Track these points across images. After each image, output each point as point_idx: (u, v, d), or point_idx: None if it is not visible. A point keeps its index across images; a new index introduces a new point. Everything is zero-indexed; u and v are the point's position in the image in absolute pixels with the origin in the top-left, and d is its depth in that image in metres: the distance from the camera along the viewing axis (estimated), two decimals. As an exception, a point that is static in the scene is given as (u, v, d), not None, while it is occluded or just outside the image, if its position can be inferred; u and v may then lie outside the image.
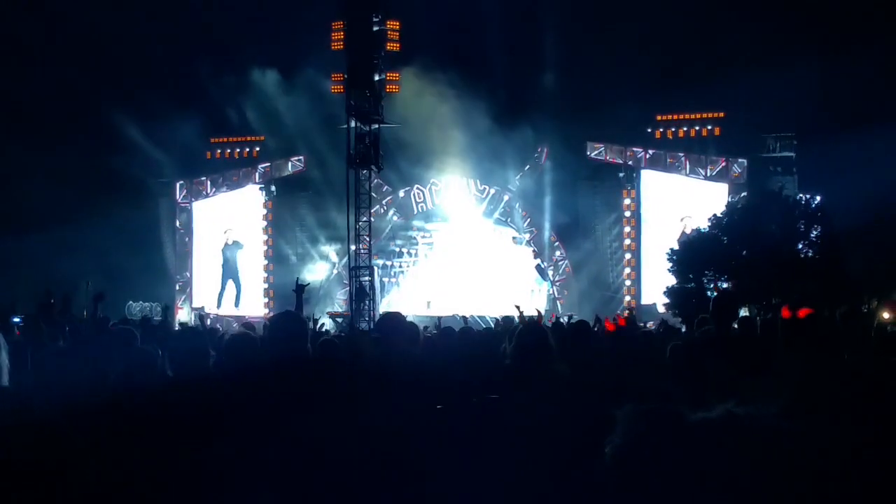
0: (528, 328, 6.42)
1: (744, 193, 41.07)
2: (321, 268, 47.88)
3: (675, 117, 43.89)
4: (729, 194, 41.99)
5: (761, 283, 30.85)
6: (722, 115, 42.83)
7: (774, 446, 1.83)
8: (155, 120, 41.47)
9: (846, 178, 33.42)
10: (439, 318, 20.99)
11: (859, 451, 2.45)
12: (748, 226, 33.21)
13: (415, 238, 47.81)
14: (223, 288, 49.95)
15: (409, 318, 7.71)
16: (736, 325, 8.17)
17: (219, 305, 49.35)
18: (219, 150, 49.22)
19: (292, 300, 9.64)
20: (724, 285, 32.22)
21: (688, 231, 40.47)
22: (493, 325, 23.70)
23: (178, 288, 50.12)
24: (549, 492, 4.16)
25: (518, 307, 12.42)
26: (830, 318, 9.01)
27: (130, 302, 41.41)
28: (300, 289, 8.46)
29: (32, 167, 37.70)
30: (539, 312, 15.34)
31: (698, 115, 43.46)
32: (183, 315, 47.58)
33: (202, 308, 45.34)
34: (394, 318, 6.65)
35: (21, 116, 38.82)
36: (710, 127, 43.32)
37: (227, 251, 50.24)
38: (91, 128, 41.67)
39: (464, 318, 17.20)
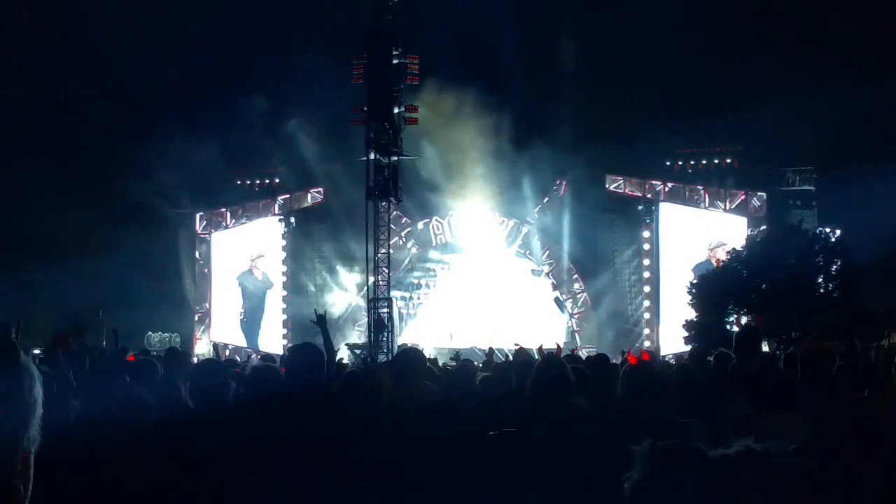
0: (547, 361, 6.43)
1: (763, 227, 40.95)
2: (340, 299, 47.88)
3: (695, 150, 43.82)
4: (748, 227, 41.85)
5: (781, 317, 30.71)
6: (741, 148, 42.74)
7: (792, 483, 1.83)
8: (175, 151, 41.63)
9: (866, 212, 33.38)
10: (458, 352, 20.94)
11: (877, 487, 2.45)
12: (768, 259, 33.05)
13: (433, 270, 47.80)
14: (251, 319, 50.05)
15: (428, 350, 7.75)
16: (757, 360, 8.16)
17: (253, 339, 49.46)
18: (238, 182, 49.40)
19: (310, 331, 9.63)
20: (745, 319, 32.08)
21: (719, 258, 40.31)
22: (510, 358, 23.64)
23: (196, 319, 50.18)
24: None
25: (517, 344, 12.39)
26: (851, 353, 8.99)
27: (150, 333, 41.50)
28: (322, 319, 8.45)
29: (52, 198, 37.91)
30: (558, 346, 15.31)
31: (718, 149, 43.37)
32: (201, 346, 47.60)
33: (220, 344, 45.42)
34: (412, 353, 6.67)
35: (43, 147, 39.11)
36: (729, 160, 43.25)
37: (253, 284, 50.34)
38: (111, 159, 41.93)
39: (490, 350, 17.10)
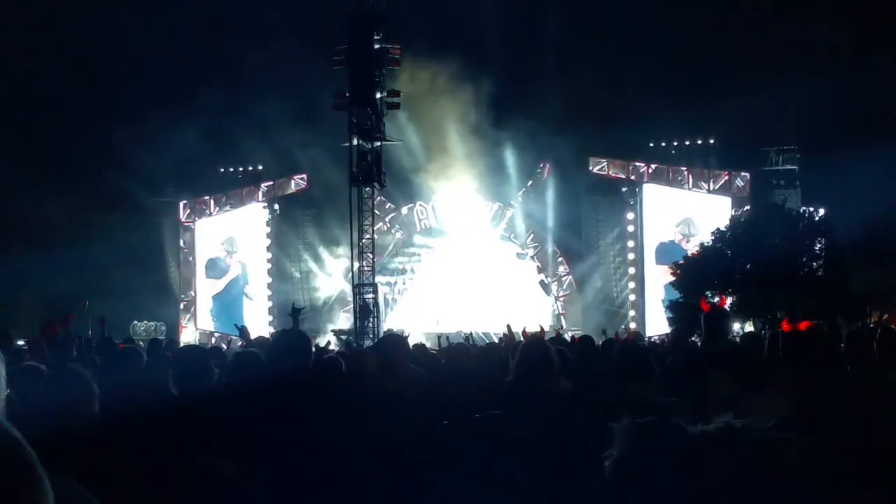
0: (530, 344, 6.43)
1: (747, 207, 41.03)
2: (325, 285, 47.89)
3: (677, 131, 43.86)
4: (732, 207, 41.94)
5: (765, 297, 30.82)
6: (723, 129, 42.81)
7: (770, 457, 1.84)
8: (158, 140, 41.56)
9: (849, 191, 33.44)
10: (439, 336, 20.97)
11: (856, 461, 2.47)
12: (751, 240, 33.12)
13: (418, 254, 47.85)
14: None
15: (417, 336, 7.79)
16: (740, 340, 8.20)
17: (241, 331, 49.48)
18: (221, 169, 49.32)
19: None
20: (715, 300, 32.14)
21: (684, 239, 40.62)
22: (497, 341, 23.68)
23: (182, 307, 50.14)
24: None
25: (508, 326, 12.37)
26: (834, 332, 9.03)
27: (135, 322, 41.44)
28: (296, 312, 8.52)
29: (35, 187, 37.79)
30: (542, 328, 15.33)
31: (700, 130, 43.44)
32: (187, 334, 47.58)
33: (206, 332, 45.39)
34: (394, 338, 6.68)
35: (25, 137, 38.96)
36: (712, 141, 43.28)
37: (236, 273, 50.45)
38: (94, 147, 41.79)
39: (469, 335, 17.15)
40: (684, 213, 44.05)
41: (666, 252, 43.24)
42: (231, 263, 50.72)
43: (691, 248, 39.36)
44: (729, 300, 32.27)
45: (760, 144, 42.36)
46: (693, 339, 15.46)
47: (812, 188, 40.07)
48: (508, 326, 12.22)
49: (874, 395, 3.06)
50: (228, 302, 50.18)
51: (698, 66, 38.81)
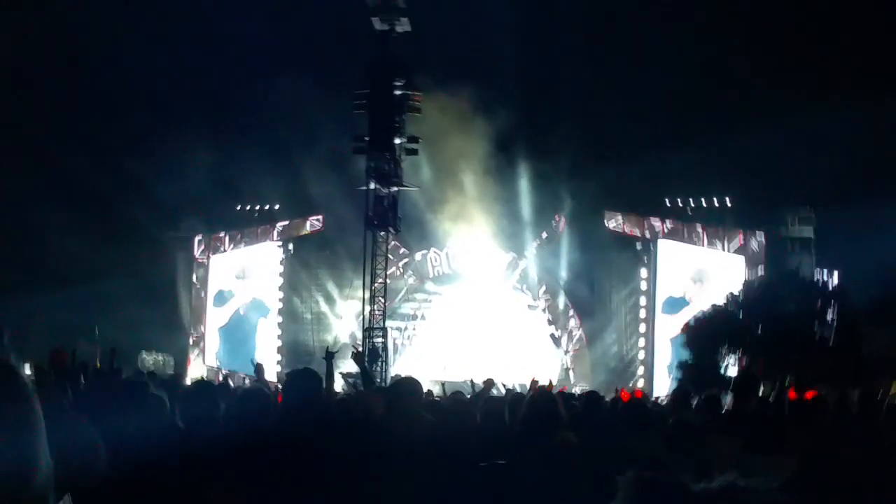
0: (539, 396, 6.45)
1: (761, 269, 40.91)
2: (335, 327, 47.84)
3: (693, 188, 43.85)
4: (746, 266, 41.84)
5: (775, 361, 30.69)
6: (740, 188, 42.75)
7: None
8: (175, 175, 41.70)
9: (865, 254, 33.33)
10: (443, 383, 20.90)
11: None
12: (764, 303, 33.06)
13: (429, 300, 47.79)
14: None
15: (424, 383, 7.75)
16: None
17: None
18: (238, 207, 49.39)
19: (304, 360, 9.65)
20: (745, 362, 31.98)
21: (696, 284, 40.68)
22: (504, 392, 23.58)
23: (191, 342, 50.13)
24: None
25: (498, 381, 12.36)
26: (843, 402, 9.01)
27: (143, 353, 41.40)
28: (330, 356, 8.54)
29: (49, 217, 37.91)
30: (550, 381, 15.35)
31: (717, 188, 43.42)
32: (195, 369, 47.54)
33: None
34: (408, 382, 6.67)
35: (41, 167, 39.16)
36: (728, 199, 43.22)
37: (246, 309, 50.48)
38: (111, 179, 41.92)
39: (473, 383, 17.13)
40: (697, 267, 44.05)
41: (674, 304, 43.39)
42: (237, 292, 50.75)
43: (700, 298, 39.62)
44: (744, 362, 32.14)
45: (777, 204, 42.24)
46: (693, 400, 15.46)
47: (828, 249, 39.86)
48: (489, 380, 12.16)
49: (878, 467, 3.06)
50: (238, 337, 50.12)
51: (717, 122, 38.85)
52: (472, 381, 18.00)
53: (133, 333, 38.26)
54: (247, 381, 33.96)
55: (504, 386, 27.06)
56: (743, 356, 32.49)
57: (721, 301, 35.75)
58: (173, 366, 41.55)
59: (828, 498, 2.65)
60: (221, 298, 50.96)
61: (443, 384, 20.53)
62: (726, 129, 38.36)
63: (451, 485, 5.17)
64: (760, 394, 25.96)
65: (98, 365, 18.32)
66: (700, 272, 43.96)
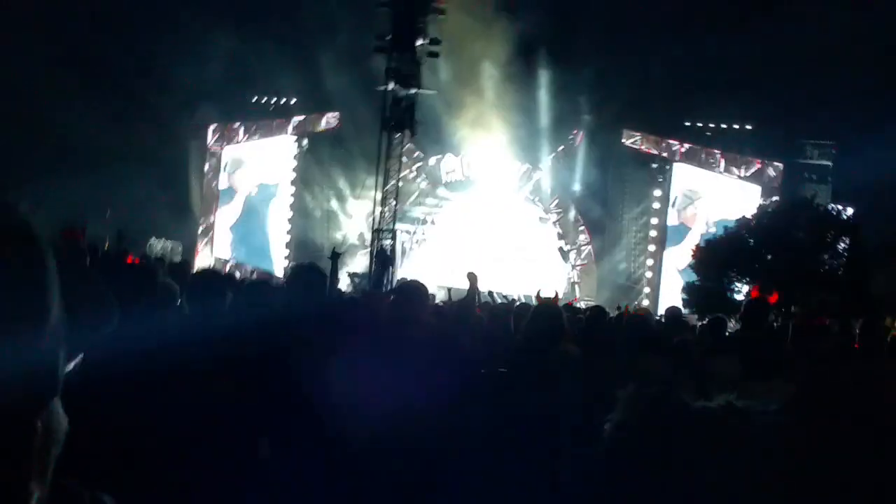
0: (543, 308, 6.46)
1: (776, 198, 40.74)
2: (345, 226, 47.93)
3: (714, 113, 43.48)
4: (761, 196, 41.69)
5: (782, 289, 30.71)
6: (761, 115, 42.39)
7: (768, 439, 1.86)
8: (194, 62, 41.40)
9: (881, 194, 33.14)
10: (449, 289, 20.95)
11: (857, 452, 2.48)
12: (776, 231, 32.99)
13: (440, 206, 47.80)
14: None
15: (430, 287, 7.74)
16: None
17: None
18: (255, 98, 49.16)
19: (312, 255, 9.66)
20: (746, 289, 32.02)
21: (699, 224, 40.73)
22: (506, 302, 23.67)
23: (200, 231, 50.29)
24: (548, 465, 4.22)
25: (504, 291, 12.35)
26: (846, 329, 9.01)
27: (153, 239, 41.49)
28: (336, 256, 8.56)
29: (65, 100, 37.71)
30: (556, 294, 15.34)
31: (738, 114, 43.05)
32: (203, 258, 47.77)
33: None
34: (414, 285, 6.66)
35: (57, 51, 38.84)
36: (749, 126, 42.93)
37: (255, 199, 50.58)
38: (129, 60, 41.64)
39: (490, 293, 17.17)
40: (707, 194, 44.02)
41: (675, 232, 43.60)
42: (247, 183, 50.83)
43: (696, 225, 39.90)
44: (746, 289, 32.19)
45: (797, 136, 41.98)
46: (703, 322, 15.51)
47: (844, 186, 39.68)
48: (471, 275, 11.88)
49: (880, 390, 3.06)
50: (248, 228, 50.35)
51: (743, 48, 38.31)
52: (489, 293, 18.06)
53: (143, 219, 38.34)
54: (254, 275, 34.10)
55: (508, 297, 27.18)
56: (752, 283, 32.49)
57: (732, 225, 35.72)
58: (181, 253, 41.69)
59: (826, 422, 2.66)
60: (230, 193, 50.99)
61: (449, 290, 20.60)
62: (752, 54, 37.81)
63: (451, 390, 5.20)
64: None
65: (106, 247, 18.39)
66: (708, 196, 43.93)
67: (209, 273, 6.05)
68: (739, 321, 7.21)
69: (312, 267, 5.88)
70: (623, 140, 45.26)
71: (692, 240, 40.46)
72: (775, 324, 21.51)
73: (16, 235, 0.73)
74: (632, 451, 1.91)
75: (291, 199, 49.37)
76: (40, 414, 0.74)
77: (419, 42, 33.86)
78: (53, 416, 0.76)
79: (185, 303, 5.12)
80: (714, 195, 43.71)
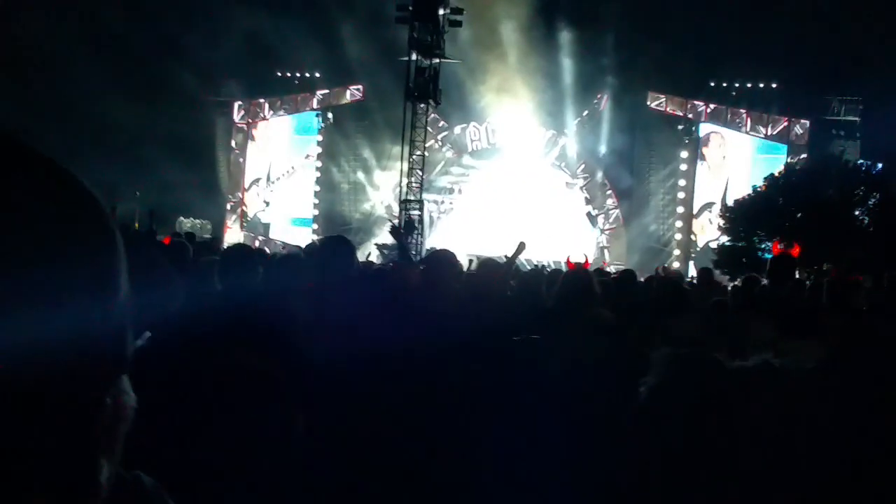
0: (574, 272, 6.44)
1: (803, 155, 40.43)
2: (372, 198, 47.98)
3: (739, 72, 43.17)
4: (788, 155, 41.37)
5: (813, 247, 30.51)
6: (786, 73, 42.04)
7: (806, 398, 1.85)
8: (219, 39, 41.40)
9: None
10: (478, 258, 20.94)
11: (890, 410, 2.47)
12: (805, 188, 32.74)
13: (467, 175, 47.71)
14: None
15: (459, 257, 7.71)
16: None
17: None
18: (279, 73, 49.15)
19: (340, 229, 9.66)
20: (782, 246, 31.85)
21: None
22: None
23: (229, 207, 50.43)
24: (585, 431, 4.21)
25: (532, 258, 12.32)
26: (879, 285, 8.95)
27: (181, 217, 41.63)
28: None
29: (92, 80, 37.78)
30: (586, 258, 15.32)
31: (763, 72, 42.70)
32: (232, 234, 47.93)
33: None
34: (444, 254, 6.64)
35: (84, 29, 38.89)
36: (774, 84, 42.59)
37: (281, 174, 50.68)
38: (155, 39, 41.68)
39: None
40: (742, 155, 43.76)
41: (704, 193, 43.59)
42: (278, 161, 50.99)
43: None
44: (781, 245, 32.01)
45: (824, 92, 41.61)
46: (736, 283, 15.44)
47: (872, 141, 39.28)
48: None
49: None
50: (275, 205, 50.57)
51: (766, 5, 37.91)
52: (506, 257, 18.04)
53: (172, 198, 38.42)
54: (284, 249, 34.18)
55: (539, 264, 27.14)
56: (775, 240, 32.31)
57: (761, 184, 35.50)
58: (210, 230, 41.82)
59: (861, 379, 2.64)
60: (257, 169, 51.12)
61: (477, 259, 20.59)
62: (775, 11, 37.46)
63: (484, 358, 5.20)
64: (797, 278, 25.93)
65: (136, 226, 18.49)
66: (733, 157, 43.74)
67: (241, 249, 6.06)
68: (766, 278, 7.17)
69: (341, 239, 5.88)
70: (648, 102, 44.98)
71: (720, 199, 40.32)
72: (808, 282, 21.44)
73: (88, 207, 0.74)
74: (668, 412, 1.91)
75: (317, 174, 49.40)
76: (109, 389, 0.75)
77: (441, 11, 33.72)
78: (123, 394, 0.77)
79: (218, 279, 5.14)
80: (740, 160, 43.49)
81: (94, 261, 0.73)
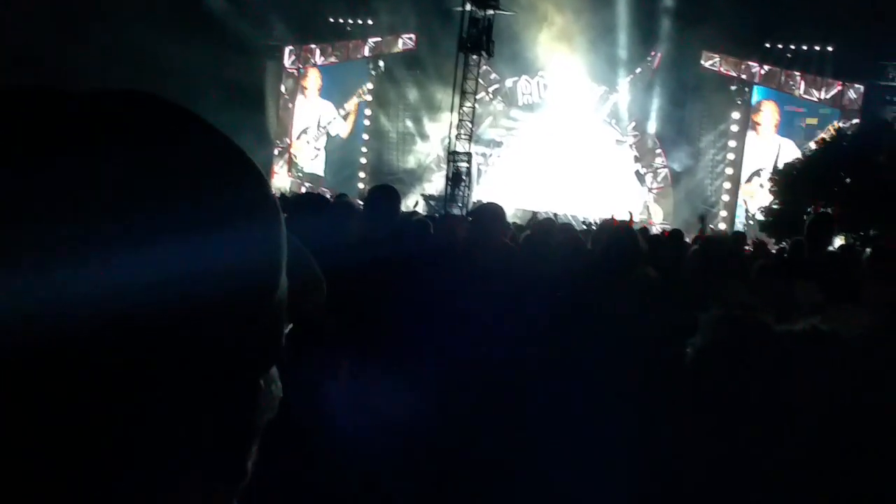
0: (619, 230, 6.43)
1: (856, 120, 39.90)
2: (420, 149, 47.93)
3: (794, 34, 42.55)
4: (840, 120, 40.83)
5: (861, 212, 30.19)
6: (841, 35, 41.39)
7: (854, 363, 1.87)
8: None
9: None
10: (524, 212, 20.94)
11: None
12: (855, 153, 32.34)
13: (516, 128, 47.52)
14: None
15: (507, 211, 7.71)
16: (832, 251, 8.11)
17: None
18: (331, 19, 48.98)
19: (387, 178, 9.64)
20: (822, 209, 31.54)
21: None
22: (584, 226, 23.60)
23: (276, 153, 50.53)
24: (627, 390, 4.24)
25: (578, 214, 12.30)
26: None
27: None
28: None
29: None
30: (631, 215, 15.24)
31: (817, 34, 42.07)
32: (280, 180, 48.11)
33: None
34: (492, 207, 6.64)
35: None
36: (830, 48, 41.95)
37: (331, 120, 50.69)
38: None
39: (555, 216, 17.12)
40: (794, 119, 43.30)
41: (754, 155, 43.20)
42: (326, 109, 50.96)
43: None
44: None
45: (880, 58, 40.91)
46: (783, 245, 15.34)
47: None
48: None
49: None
50: (324, 153, 50.67)
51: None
52: (554, 215, 18.03)
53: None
54: (333, 197, 34.26)
55: (586, 220, 27.06)
56: (822, 204, 31.99)
57: (811, 148, 35.16)
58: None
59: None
60: (307, 115, 51.13)
61: (524, 213, 20.59)
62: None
63: (528, 313, 5.23)
64: (843, 242, 25.71)
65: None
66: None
67: (310, 196, 6.14)
68: (805, 240, 7.12)
69: (388, 189, 5.92)
70: (702, 62, 44.47)
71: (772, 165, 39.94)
72: (857, 246, 21.24)
73: (253, 174, 0.74)
74: (715, 375, 1.93)
75: (367, 123, 49.40)
76: (266, 373, 0.74)
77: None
78: (272, 382, 0.77)
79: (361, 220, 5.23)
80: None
81: (266, 235, 0.72)
